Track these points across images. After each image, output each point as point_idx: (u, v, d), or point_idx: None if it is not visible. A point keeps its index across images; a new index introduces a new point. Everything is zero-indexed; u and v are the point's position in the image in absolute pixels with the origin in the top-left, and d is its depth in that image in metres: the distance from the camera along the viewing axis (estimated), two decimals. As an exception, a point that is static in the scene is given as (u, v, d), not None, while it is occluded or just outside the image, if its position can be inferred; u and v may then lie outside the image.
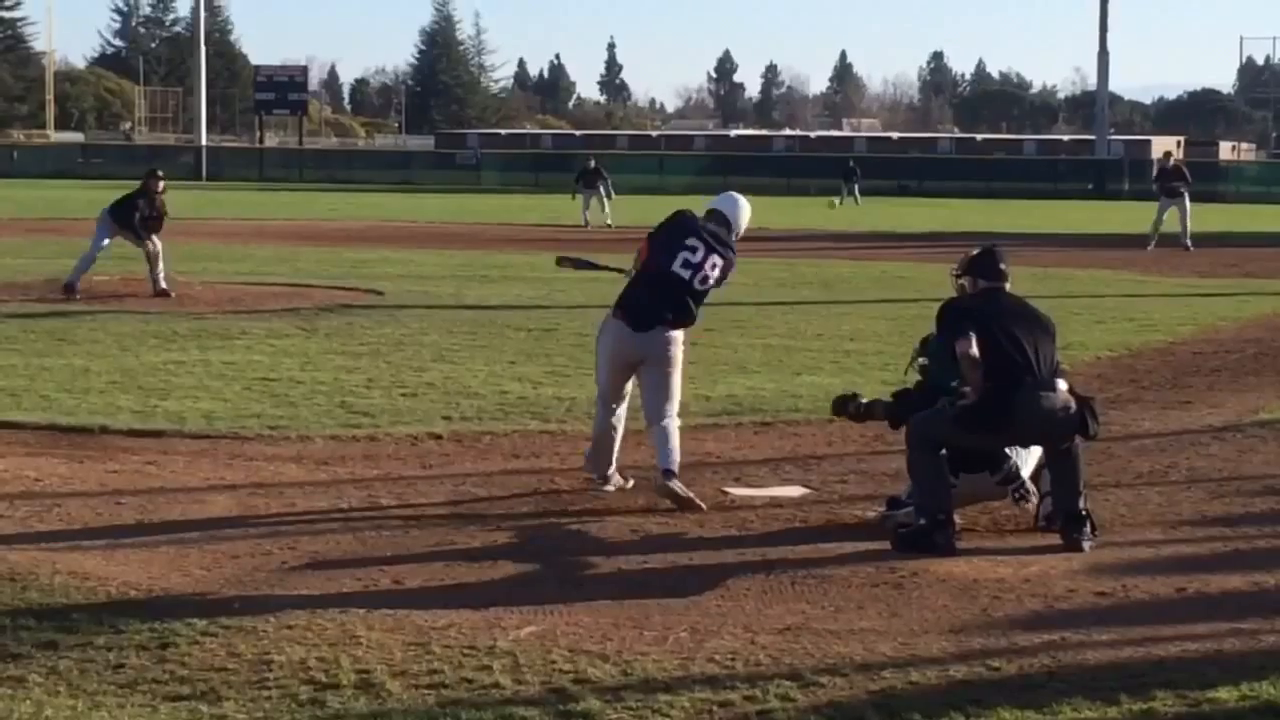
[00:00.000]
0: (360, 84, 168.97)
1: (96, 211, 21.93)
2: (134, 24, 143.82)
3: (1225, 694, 6.02)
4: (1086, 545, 8.39)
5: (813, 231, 39.97)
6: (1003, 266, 8.93)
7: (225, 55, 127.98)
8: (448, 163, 79.64)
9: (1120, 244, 35.16)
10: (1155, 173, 35.05)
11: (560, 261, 11.17)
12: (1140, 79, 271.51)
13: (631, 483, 9.77)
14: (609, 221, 40.26)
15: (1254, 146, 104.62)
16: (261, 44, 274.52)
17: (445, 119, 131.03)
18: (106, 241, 21.25)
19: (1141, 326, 18.85)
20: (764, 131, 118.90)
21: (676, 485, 9.26)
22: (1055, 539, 8.60)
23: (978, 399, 8.45)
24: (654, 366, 9.57)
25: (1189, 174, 34.39)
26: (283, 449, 11.03)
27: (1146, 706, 5.91)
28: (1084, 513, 8.53)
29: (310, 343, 16.38)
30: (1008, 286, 8.93)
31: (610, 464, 9.81)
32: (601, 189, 42.47)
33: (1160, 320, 19.64)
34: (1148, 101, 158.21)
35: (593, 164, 44.41)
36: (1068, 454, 8.59)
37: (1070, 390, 8.69)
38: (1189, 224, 33.36)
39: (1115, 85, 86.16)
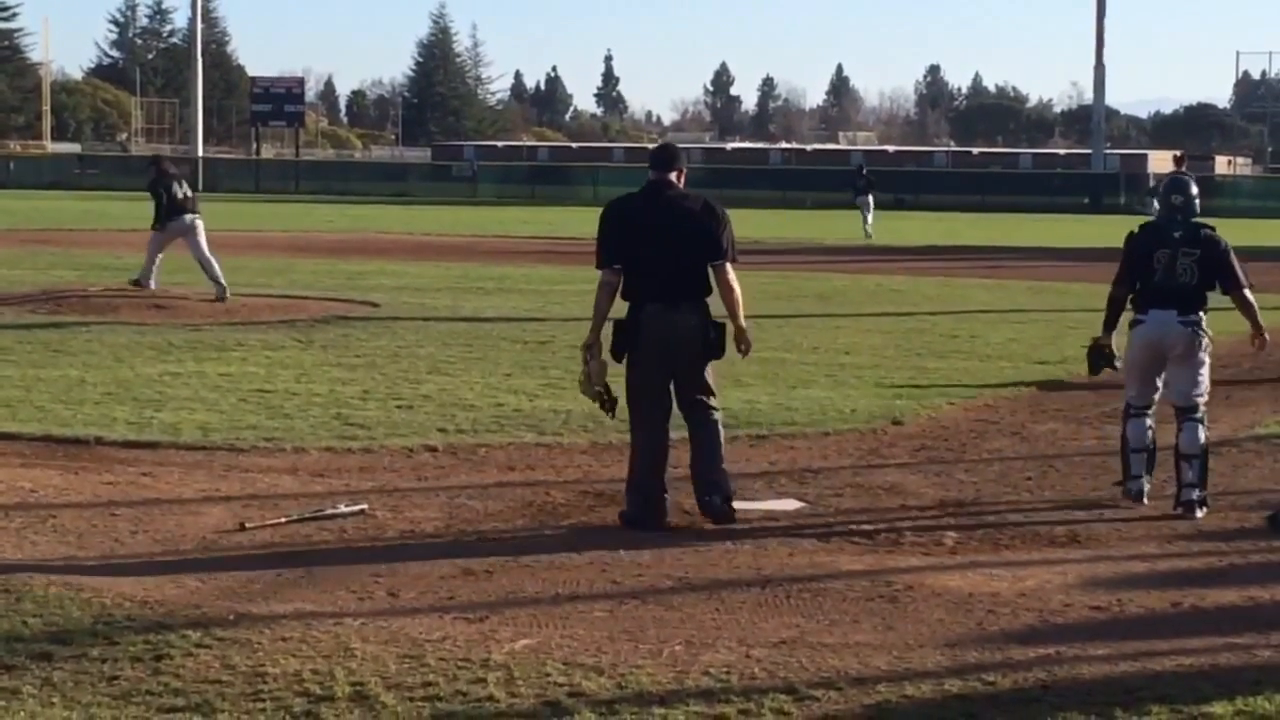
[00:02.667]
0: (357, 96, 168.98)
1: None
2: (131, 35, 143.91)
3: (1220, 709, 6.02)
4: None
5: (808, 244, 39.99)
6: (668, 159, 9.22)
7: (222, 67, 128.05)
8: (444, 175, 79.72)
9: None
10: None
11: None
12: (1137, 93, 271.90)
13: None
14: (870, 233, 42.42)
15: (1250, 161, 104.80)
16: (258, 55, 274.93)
17: (442, 131, 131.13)
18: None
19: (1137, 340, 18.83)
20: (760, 144, 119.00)
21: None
22: (1053, 552, 8.62)
23: (617, 323, 9.05)
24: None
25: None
26: (278, 461, 11.03)
27: (1141, 721, 5.91)
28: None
29: (306, 354, 16.38)
30: (676, 178, 9.15)
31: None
32: (871, 198, 44.17)
33: (1156, 334, 19.63)
34: (1144, 116, 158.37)
35: (864, 170, 46.54)
36: (705, 424, 9.18)
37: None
38: None
39: (1111, 99, 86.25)
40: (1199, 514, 9.57)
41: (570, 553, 8.54)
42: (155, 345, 16.91)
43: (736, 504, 9.74)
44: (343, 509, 9.37)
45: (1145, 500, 9.80)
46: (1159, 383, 10.01)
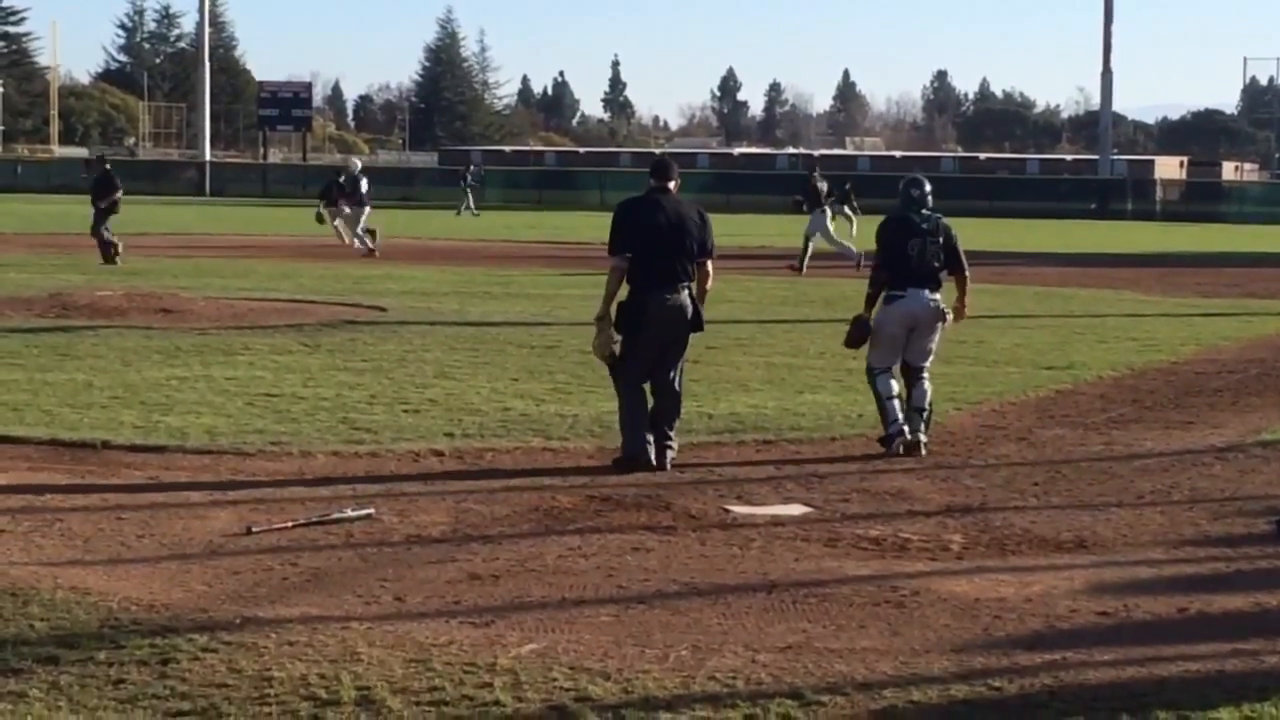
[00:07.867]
0: (364, 100, 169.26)
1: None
2: (138, 39, 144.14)
3: (1227, 715, 6.02)
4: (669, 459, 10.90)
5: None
6: (667, 171, 11.32)
7: (229, 71, 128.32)
8: (451, 179, 79.70)
9: (1123, 263, 35.16)
10: None
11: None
12: (1144, 99, 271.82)
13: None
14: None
15: (1257, 167, 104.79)
16: (266, 60, 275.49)
17: (449, 136, 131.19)
18: None
19: (1144, 346, 18.85)
20: (767, 150, 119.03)
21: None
22: (1059, 557, 8.61)
23: (622, 303, 11.00)
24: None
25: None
26: (285, 465, 11.03)
27: (1148, 727, 5.90)
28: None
29: (313, 358, 16.39)
30: (673, 187, 11.21)
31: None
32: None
33: (1163, 340, 19.64)
34: (1151, 121, 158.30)
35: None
36: (673, 391, 11.13)
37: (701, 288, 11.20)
38: None
39: (1119, 105, 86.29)
40: (923, 452, 11.54)
41: (577, 557, 8.55)
42: (162, 349, 16.93)
43: (742, 509, 9.82)
44: (349, 513, 9.38)
45: (908, 435, 11.55)
46: (901, 348, 11.83)
